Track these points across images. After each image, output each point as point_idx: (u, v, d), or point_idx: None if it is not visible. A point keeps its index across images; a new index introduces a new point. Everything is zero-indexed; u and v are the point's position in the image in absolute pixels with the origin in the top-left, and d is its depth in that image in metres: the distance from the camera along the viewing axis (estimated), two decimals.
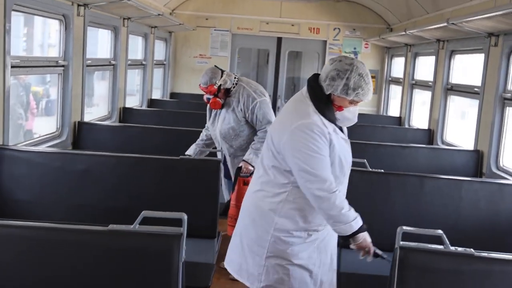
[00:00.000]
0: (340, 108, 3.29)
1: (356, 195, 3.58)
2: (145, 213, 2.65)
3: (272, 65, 11.32)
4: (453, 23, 5.71)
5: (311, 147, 3.16)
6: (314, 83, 3.31)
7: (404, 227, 2.72)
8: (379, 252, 3.27)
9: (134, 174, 4.38)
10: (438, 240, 2.67)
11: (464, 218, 4.09)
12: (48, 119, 7.70)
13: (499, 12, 4.61)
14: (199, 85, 4.99)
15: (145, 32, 8.78)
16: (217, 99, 4.90)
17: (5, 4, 4.21)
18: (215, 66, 5.13)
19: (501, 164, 5.43)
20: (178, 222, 2.67)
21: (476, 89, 6.10)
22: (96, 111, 7.24)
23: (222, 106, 4.96)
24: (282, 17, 10.93)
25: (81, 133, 5.98)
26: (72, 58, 5.70)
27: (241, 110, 4.93)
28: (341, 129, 3.46)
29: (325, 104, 3.26)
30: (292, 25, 10.97)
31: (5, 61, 4.30)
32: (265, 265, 3.33)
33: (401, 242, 2.65)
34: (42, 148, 5.12)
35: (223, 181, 5.27)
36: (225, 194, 5.46)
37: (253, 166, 4.76)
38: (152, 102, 9.27)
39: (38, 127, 6.73)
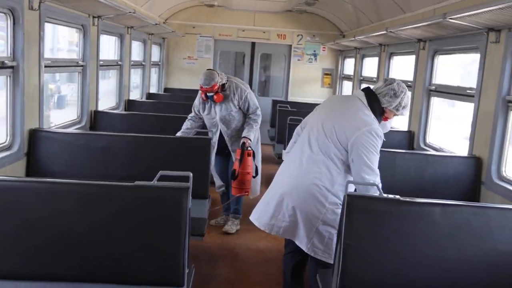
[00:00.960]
0: (386, 119, 3.47)
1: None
2: (162, 172, 2.77)
3: (248, 65, 11.23)
4: (391, 31, 5.86)
5: (375, 147, 3.26)
6: (372, 94, 3.41)
7: (350, 179, 3.16)
8: None
9: (142, 149, 4.43)
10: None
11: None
12: (60, 112, 7.70)
13: (425, 23, 4.85)
14: (201, 86, 4.95)
15: (144, 38, 8.69)
16: (220, 94, 5.00)
17: (40, 17, 4.33)
18: (210, 69, 5.17)
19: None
20: (185, 179, 2.80)
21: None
22: (107, 102, 7.10)
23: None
24: (256, 25, 10.86)
25: (97, 119, 5.96)
26: (89, 60, 5.72)
27: (236, 100, 5.09)
28: None
29: (379, 114, 3.40)
30: (264, 32, 10.90)
31: (40, 62, 4.40)
32: (317, 231, 3.37)
33: (348, 191, 2.79)
34: (69, 130, 5.15)
35: (213, 157, 5.22)
36: (215, 168, 5.43)
37: (250, 140, 4.98)
38: (150, 95, 9.22)
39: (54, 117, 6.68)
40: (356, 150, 3.23)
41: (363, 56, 9.06)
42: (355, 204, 2.75)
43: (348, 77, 10.16)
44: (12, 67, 4.08)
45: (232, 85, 5.13)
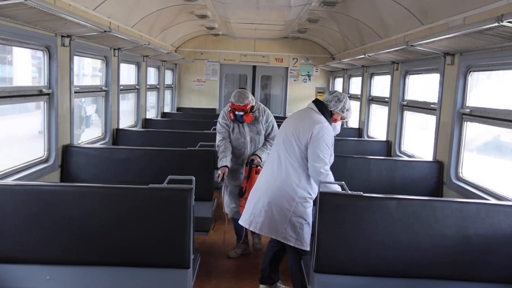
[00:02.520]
0: (335, 121, 3.81)
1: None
2: (170, 176, 3.15)
3: (250, 85, 11.45)
4: (369, 55, 6.29)
5: (327, 141, 3.60)
6: (321, 102, 3.76)
7: (322, 180, 3.41)
8: None
9: (156, 160, 4.76)
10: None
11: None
12: (88, 129, 8.04)
13: (394, 49, 5.24)
14: (232, 103, 4.64)
15: (158, 65, 9.07)
16: (250, 114, 4.69)
17: (70, 52, 4.76)
18: (242, 88, 4.98)
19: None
20: (190, 182, 3.17)
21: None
22: (126, 121, 7.38)
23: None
24: (256, 51, 11.13)
25: (118, 135, 6.32)
26: (111, 85, 6.12)
27: (264, 121, 4.82)
28: None
29: (328, 116, 3.74)
30: (263, 57, 11.14)
31: (70, 89, 4.82)
32: (289, 222, 3.64)
33: (321, 190, 3.19)
34: (95, 145, 5.56)
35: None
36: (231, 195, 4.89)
37: (261, 159, 4.68)
38: (164, 114, 9.55)
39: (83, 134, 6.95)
40: (311, 144, 3.59)
41: (350, 76, 9.37)
42: (326, 200, 3.12)
43: None
44: (48, 94, 4.52)
45: (260, 107, 4.86)
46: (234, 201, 4.83)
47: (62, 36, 4.59)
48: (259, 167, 4.61)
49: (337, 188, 3.48)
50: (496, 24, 3.05)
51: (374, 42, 7.13)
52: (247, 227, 3.83)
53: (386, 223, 3.07)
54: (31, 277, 3.04)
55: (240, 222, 3.90)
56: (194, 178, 3.21)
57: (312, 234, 3.67)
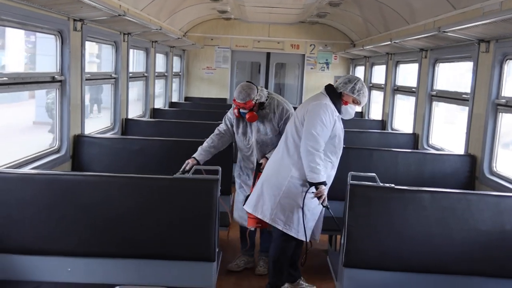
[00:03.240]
0: (346, 103, 3.90)
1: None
2: (196, 166, 3.36)
3: (263, 74, 11.53)
4: (395, 42, 6.38)
5: (321, 117, 3.75)
6: (331, 85, 3.97)
7: (353, 172, 3.46)
8: (327, 205, 3.78)
9: (172, 151, 4.93)
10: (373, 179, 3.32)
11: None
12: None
13: (423, 35, 5.36)
14: (234, 100, 4.36)
15: (166, 51, 9.23)
16: (254, 112, 4.33)
17: (82, 36, 4.93)
18: (249, 82, 4.49)
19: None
20: (215, 172, 3.35)
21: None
22: (134, 110, 7.51)
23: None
24: (270, 36, 11.20)
25: (127, 126, 6.51)
26: (121, 72, 6.31)
27: (277, 120, 4.40)
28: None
29: (337, 98, 3.88)
30: (278, 43, 11.23)
31: (82, 76, 5.01)
32: (279, 203, 3.83)
33: (351, 181, 3.28)
34: (106, 135, 5.74)
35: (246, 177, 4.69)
36: (243, 189, 4.69)
37: None
38: (172, 104, 9.68)
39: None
40: (306, 120, 3.80)
41: (372, 64, 9.50)
42: (356, 192, 3.29)
43: None
44: (60, 81, 4.67)
45: (273, 103, 4.43)
46: (242, 210, 4.50)
47: (75, 20, 4.74)
48: None
49: (320, 176, 3.70)
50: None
51: (400, 28, 7.26)
52: (244, 207, 4.10)
53: (418, 216, 3.23)
54: (52, 269, 3.22)
55: (245, 206, 4.11)
56: (220, 168, 3.38)
57: (337, 230, 3.92)
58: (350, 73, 11.25)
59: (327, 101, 3.86)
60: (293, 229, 3.83)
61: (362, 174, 3.49)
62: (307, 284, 4.31)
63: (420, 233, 3.22)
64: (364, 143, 6.08)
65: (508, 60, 4.59)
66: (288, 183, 3.84)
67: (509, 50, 4.49)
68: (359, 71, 10.70)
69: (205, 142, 4.57)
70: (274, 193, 3.85)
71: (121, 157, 4.96)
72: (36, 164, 4.30)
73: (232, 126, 4.59)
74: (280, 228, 3.84)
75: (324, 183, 3.75)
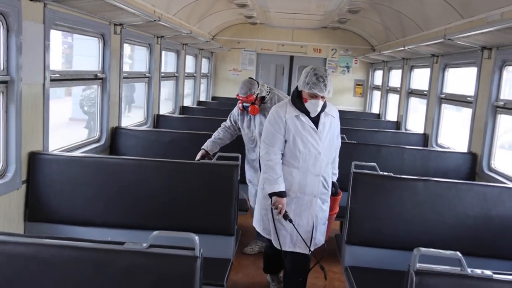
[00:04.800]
0: (305, 100, 3.60)
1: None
2: (219, 153, 3.86)
3: (286, 76, 11.86)
4: (408, 48, 6.76)
5: (268, 126, 3.68)
6: (296, 87, 3.74)
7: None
8: (288, 215, 3.63)
9: (200, 143, 5.08)
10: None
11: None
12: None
13: (432, 42, 5.76)
14: (237, 95, 4.70)
15: (196, 53, 9.72)
16: (255, 106, 4.65)
17: (121, 39, 5.44)
18: (250, 78, 4.87)
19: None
20: (236, 159, 3.88)
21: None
22: (165, 108, 7.96)
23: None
24: (294, 41, 11.55)
25: (159, 121, 6.97)
26: (154, 72, 6.80)
27: None
28: (316, 121, 3.69)
29: (296, 97, 3.66)
30: (301, 47, 11.56)
31: (120, 75, 5.49)
32: (260, 214, 3.92)
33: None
34: (141, 128, 6.22)
35: (252, 172, 5.02)
36: (253, 180, 5.01)
37: None
38: (200, 103, 10.18)
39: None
40: None
41: (390, 68, 9.80)
42: (358, 179, 3.71)
43: (377, 87, 10.89)
44: (101, 78, 5.16)
45: (274, 97, 4.74)
46: (254, 202, 4.79)
47: (115, 25, 5.22)
48: None
49: (271, 187, 3.62)
50: None
51: (415, 35, 7.58)
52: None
53: (413, 202, 3.62)
54: (95, 238, 3.71)
55: None
56: (240, 155, 3.85)
57: (341, 216, 4.21)
58: (370, 77, 11.58)
59: (281, 105, 3.73)
60: (264, 233, 3.94)
61: (364, 163, 3.88)
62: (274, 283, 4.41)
63: (414, 216, 3.61)
64: (378, 142, 6.36)
65: (507, 66, 4.93)
66: (262, 195, 3.84)
67: (508, 57, 4.83)
68: (378, 75, 11.00)
69: (212, 136, 4.98)
70: (258, 205, 3.97)
71: (153, 148, 5.41)
72: (80, 151, 4.80)
73: (235, 122, 4.98)
74: (267, 237, 3.93)
75: (279, 194, 3.60)
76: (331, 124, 3.75)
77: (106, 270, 2.11)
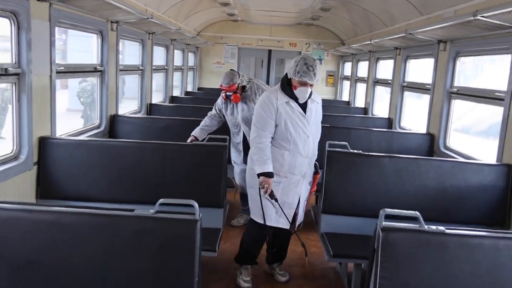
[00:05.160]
0: (295, 87, 3.55)
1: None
2: (210, 135, 3.84)
3: (265, 68, 12.00)
4: (374, 41, 6.93)
5: (259, 110, 3.59)
6: (285, 75, 3.65)
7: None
8: (274, 195, 3.60)
9: (191, 127, 5.10)
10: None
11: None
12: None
13: (394, 36, 5.93)
14: (221, 85, 4.82)
15: (183, 48, 9.77)
16: (237, 94, 4.78)
17: (117, 35, 5.47)
18: (231, 69, 4.96)
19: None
20: (224, 140, 4.00)
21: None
22: (156, 97, 8.02)
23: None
24: (272, 36, 11.65)
25: (152, 109, 7.05)
26: (146, 65, 6.86)
27: (256, 99, 4.72)
28: (304, 107, 3.65)
29: (286, 84, 3.59)
30: (278, 42, 11.67)
31: (117, 68, 5.55)
32: (249, 194, 3.82)
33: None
34: (138, 115, 6.31)
35: (237, 153, 5.13)
36: (238, 160, 5.13)
37: None
38: (187, 93, 10.21)
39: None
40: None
41: (358, 60, 9.96)
42: (332, 156, 3.87)
43: (347, 77, 11.02)
44: (100, 71, 5.23)
45: (253, 86, 4.88)
46: (239, 179, 5.08)
47: (112, 22, 5.27)
48: None
49: (260, 167, 3.55)
50: (472, 18, 3.73)
51: (380, 30, 7.76)
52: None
53: (379, 175, 3.81)
54: None
55: None
56: (228, 137, 3.97)
57: (317, 191, 4.33)
58: (340, 69, 11.72)
59: (271, 92, 3.65)
60: (255, 215, 3.77)
61: (337, 142, 4.05)
62: (280, 272, 4.16)
63: (380, 187, 3.79)
64: (348, 125, 6.42)
65: (459, 57, 5.14)
66: (249, 175, 3.77)
67: (461, 49, 5.04)
68: (347, 67, 11.15)
69: (200, 123, 5.06)
70: (246, 185, 3.91)
71: (148, 133, 5.48)
72: (82, 137, 4.86)
73: (220, 110, 5.07)
74: (251, 216, 3.83)
75: (267, 175, 3.55)
76: (316, 110, 3.77)
77: (118, 234, 2.22)
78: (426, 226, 2.23)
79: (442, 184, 3.80)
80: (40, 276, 2.12)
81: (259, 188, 3.64)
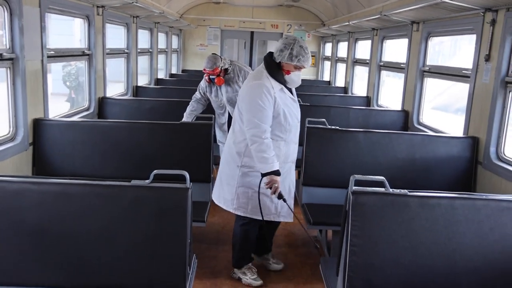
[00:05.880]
0: (288, 72, 3.30)
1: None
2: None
3: (248, 50, 12.16)
4: (352, 23, 7.16)
5: (258, 102, 3.18)
6: (268, 56, 3.37)
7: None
8: (283, 196, 3.34)
9: (171, 109, 5.45)
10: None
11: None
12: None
13: (371, 17, 6.17)
14: (204, 69, 4.89)
15: (166, 31, 9.86)
16: (221, 77, 4.89)
17: (103, 20, 5.61)
18: (213, 53, 5.05)
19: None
20: (209, 119, 4.21)
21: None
22: (142, 79, 8.12)
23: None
24: (254, 18, 11.77)
25: (138, 91, 7.23)
26: (132, 48, 7.00)
27: (241, 81, 4.91)
28: (290, 91, 3.47)
29: (276, 69, 3.28)
30: (260, 23, 11.81)
31: (103, 51, 5.71)
32: (236, 193, 3.45)
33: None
34: (125, 97, 6.50)
35: (222, 134, 5.32)
36: (223, 140, 5.26)
37: None
38: (171, 75, 10.33)
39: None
40: (243, 107, 3.29)
41: (338, 41, 10.17)
42: (311, 132, 4.10)
43: (327, 58, 11.23)
44: (88, 55, 5.37)
45: (235, 68, 5.00)
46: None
47: (98, 7, 5.37)
48: None
49: (267, 166, 3.22)
50: (439, 0, 3.99)
51: (359, 11, 7.98)
52: (214, 199, 3.71)
53: (356, 149, 4.08)
54: None
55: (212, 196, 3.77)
56: (213, 116, 4.21)
57: (298, 166, 4.42)
58: (321, 49, 11.90)
59: (263, 79, 3.27)
60: (254, 213, 3.46)
61: (315, 119, 4.30)
62: (274, 261, 4.06)
63: (356, 160, 4.06)
64: (329, 104, 6.71)
65: (431, 37, 5.41)
66: (240, 173, 3.41)
67: (432, 29, 5.30)
68: (328, 47, 11.34)
69: (187, 109, 5.22)
70: (230, 183, 3.46)
71: (135, 114, 5.63)
72: (74, 118, 5.03)
73: (204, 93, 5.20)
74: (243, 215, 3.50)
75: (275, 173, 3.24)
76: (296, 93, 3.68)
77: (117, 202, 2.42)
78: (391, 190, 2.48)
79: (412, 156, 4.10)
80: (48, 242, 2.36)
81: (259, 187, 3.33)
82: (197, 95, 5.29)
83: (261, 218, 3.43)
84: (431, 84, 5.54)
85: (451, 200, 2.47)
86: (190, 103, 5.25)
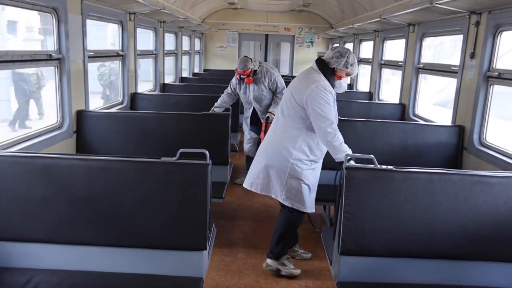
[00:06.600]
0: (340, 78, 3.31)
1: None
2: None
3: (263, 51, 12.39)
4: (356, 25, 7.33)
5: (324, 99, 3.18)
6: (322, 61, 3.33)
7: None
8: None
9: (195, 103, 5.65)
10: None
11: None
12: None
13: (373, 20, 6.35)
14: (236, 69, 5.14)
15: (190, 34, 10.12)
16: (250, 77, 5.13)
17: (134, 24, 5.92)
18: (245, 56, 5.24)
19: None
20: (227, 110, 4.44)
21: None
22: (168, 78, 8.45)
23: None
24: (268, 22, 12.00)
25: (165, 88, 7.48)
26: (159, 50, 7.29)
27: (267, 82, 5.19)
28: None
29: (330, 74, 3.28)
30: (274, 27, 12.03)
31: (135, 52, 6.00)
32: (286, 183, 3.38)
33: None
34: (154, 93, 6.75)
35: (246, 125, 5.57)
36: (246, 131, 5.58)
37: (274, 115, 4.78)
38: (194, 74, 10.60)
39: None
40: (310, 104, 3.21)
41: (345, 42, 10.30)
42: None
43: None
44: (122, 55, 5.66)
45: (263, 70, 5.19)
46: (249, 142, 5.54)
47: (130, 13, 5.67)
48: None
49: (346, 149, 3.19)
50: (430, 5, 4.16)
51: (363, 14, 8.14)
52: (248, 188, 3.58)
53: (354, 137, 4.19)
54: None
55: (244, 185, 3.64)
56: (231, 107, 4.46)
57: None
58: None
59: (323, 80, 3.27)
60: (303, 205, 3.41)
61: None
62: (302, 251, 3.99)
63: (355, 146, 3.86)
64: None
65: (425, 38, 5.57)
66: (291, 165, 3.35)
67: (426, 30, 5.46)
68: None
69: (218, 100, 5.43)
70: (281, 176, 3.39)
71: (163, 107, 5.86)
72: (111, 110, 5.30)
73: (234, 89, 5.42)
74: (290, 206, 3.42)
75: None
76: None
77: (149, 175, 2.63)
78: (379, 166, 2.70)
79: (405, 142, 4.29)
80: (93, 207, 2.63)
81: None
82: (228, 89, 5.48)
83: (306, 210, 3.43)
84: (433, 82, 5.71)
85: (430, 175, 2.68)
86: (221, 96, 5.45)
